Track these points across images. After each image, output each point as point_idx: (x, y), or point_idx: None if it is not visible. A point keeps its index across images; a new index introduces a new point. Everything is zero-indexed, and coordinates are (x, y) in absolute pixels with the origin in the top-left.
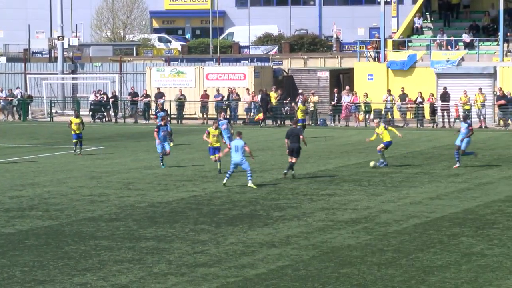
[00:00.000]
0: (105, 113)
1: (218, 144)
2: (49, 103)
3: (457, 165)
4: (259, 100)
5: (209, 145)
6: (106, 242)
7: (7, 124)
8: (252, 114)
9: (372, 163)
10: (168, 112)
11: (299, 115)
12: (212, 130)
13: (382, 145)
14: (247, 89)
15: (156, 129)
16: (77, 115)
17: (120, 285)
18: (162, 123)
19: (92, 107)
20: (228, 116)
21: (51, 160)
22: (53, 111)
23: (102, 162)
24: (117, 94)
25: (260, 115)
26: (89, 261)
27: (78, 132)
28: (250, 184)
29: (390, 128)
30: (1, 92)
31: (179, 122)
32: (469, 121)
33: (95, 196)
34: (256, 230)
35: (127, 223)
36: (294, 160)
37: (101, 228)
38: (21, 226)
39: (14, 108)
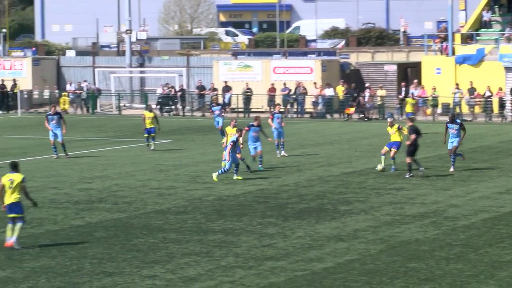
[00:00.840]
0: (173, 107)
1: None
2: (117, 97)
3: None
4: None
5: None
6: (174, 235)
7: (76, 117)
8: (319, 108)
9: (379, 166)
10: (229, 105)
11: (408, 108)
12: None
13: (386, 148)
14: (314, 83)
15: (246, 128)
16: (150, 109)
17: (188, 278)
18: (255, 123)
19: (159, 100)
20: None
21: (119, 153)
22: (121, 104)
23: (170, 155)
24: (184, 87)
25: (352, 109)
26: (158, 253)
27: (150, 127)
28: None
29: (404, 129)
30: (70, 85)
31: (246, 115)
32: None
33: (163, 189)
34: (324, 224)
35: (195, 216)
36: (408, 160)
37: (169, 221)
38: (90, 218)
39: (83, 101)
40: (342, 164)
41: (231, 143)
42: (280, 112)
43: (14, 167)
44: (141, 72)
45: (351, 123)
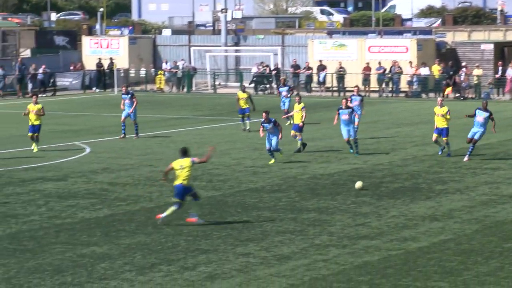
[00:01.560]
0: (267, 85)
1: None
2: (212, 75)
3: None
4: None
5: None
6: (269, 213)
7: (171, 95)
8: (414, 87)
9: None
10: (324, 84)
11: None
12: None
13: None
14: (410, 62)
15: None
16: (244, 90)
17: (282, 256)
18: (343, 106)
19: (254, 79)
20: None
21: (214, 132)
22: (216, 83)
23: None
24: (279, 66)
25: (449, 89)
26: (252, 231)
27: (244, 107)
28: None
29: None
30: (166, 64)
31: (340, 94)
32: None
33: (257, 167)
34: (418, 204)
35: (289, 195)
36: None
37: (264, 199)
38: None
39: (178, 80)
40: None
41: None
42: (359, 95)
43: (184, 153)
44: (236, 51)
45: (447, 102)
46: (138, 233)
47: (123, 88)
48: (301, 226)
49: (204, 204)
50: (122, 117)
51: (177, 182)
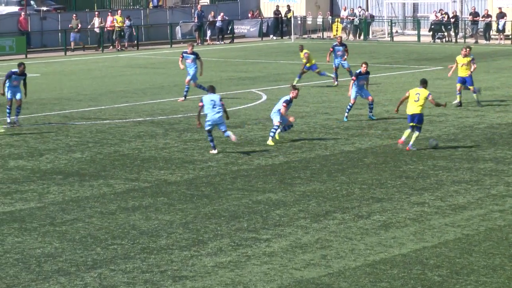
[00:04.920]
0: (446, 33)
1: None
2: (389, 23)
3: None
4: None
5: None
6: (444, 162)
7: (348, 43)
8: None
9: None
10: (503, 32)
11: None
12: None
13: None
14: None
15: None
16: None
17: (457, 206)
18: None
19: (432, 27)
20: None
21: (390, 80)
22: (394, 31)
23: (441, 82)
24: (457, 14)
25: None
26: (427, 180)
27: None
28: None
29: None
30: (344, 11)
31: None
32: None
33: (433, 116)
34: None
35: (466, 144)
36: None
37: (440, 149)
38: (360, 144)
39: (356, 28)
40: None
41: (284, 104)
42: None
43: (424, 83)
44: None
45: None
46: (312, 181)
47: (189, 47)
48: (477, 176)
49: (379, 152)
50: (187, 79)
51: (412, 110)
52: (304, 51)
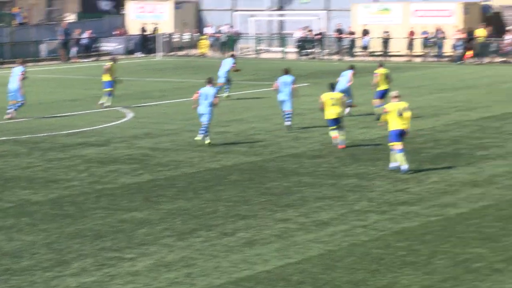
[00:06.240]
0: (311, 50)
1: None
2: (255, 40)
3: None
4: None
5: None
6: (308, 178)
7: (214, 60)
8: (458, 51)
9: None
10: (368, 49)
11: None
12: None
13: None
14: (455, 26)
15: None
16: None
17: (321, 222)
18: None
19: (298, 44)
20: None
21: (257, 97)
22: (260, 47)
23: (307, 99)
24: (323, 31)
25: (470, 53)
26: (291, 197)
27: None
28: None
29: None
30: (211, 28)
31: (385, 59)
32: None
33: (298, 133)
34: (459, 169)
35: (330, 160)
36: None
37: (304, 165)
38: (226, 161)
39: (222, 45)
40: (480, 109)
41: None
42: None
43: (332, 87)
44: (280, 15)
45: (490, 66)
46: (178, 199)
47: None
48: (341, 192)
49: (244, 169)
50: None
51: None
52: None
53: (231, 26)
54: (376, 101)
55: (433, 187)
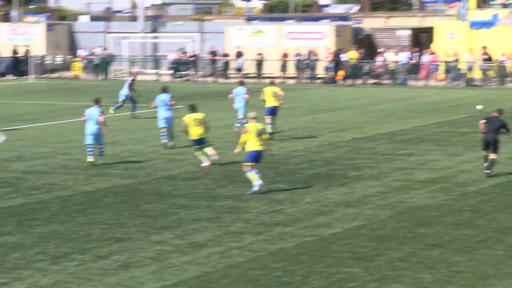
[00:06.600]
0: (185, 72)
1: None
2: (129, 62)
3: None
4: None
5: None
6: (184, 200)
7: (88, 82)
8: (331, 73)
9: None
10: (242, 71)
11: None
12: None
13: None
14: (327, 48)
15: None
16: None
17: (196, 244)
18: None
19: (172, 66)
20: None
21: (131, 119)
22: (134, 70)
23: (180, 121)
24: (197, 53)
25: (341, 73)
26: (167, 219)
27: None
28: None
29: None
30: (84, 50)
31: (258, 81)
32: None
33: (173, 155)
34: (333, 190)
35: (205, 182)
36: (493, 156)
37: (179, 187)
38: (100, 184)
39: (95, 67)
40: (353, 130)
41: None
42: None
43: (192, 108)
44: (154, 37)
45: (363, 88)
46: (52, 222)
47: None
48: (216, 213)
49: (119, 192)
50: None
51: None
52: None
53: (105, 48)
54: (267, 119)
55: (308, 208)
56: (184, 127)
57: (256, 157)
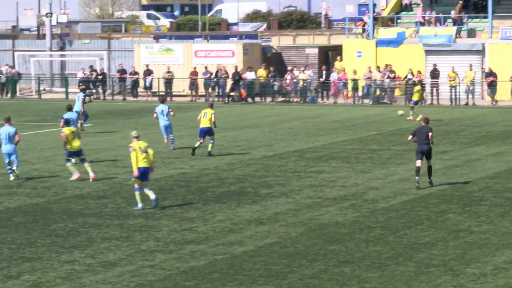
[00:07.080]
0: (93, 90)
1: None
2: (37, 80)
3: None
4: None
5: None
6: (94, 219)
7: None
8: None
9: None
10: (151, 89)
11: (415, 96)
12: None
13: None
14: (236, 66)
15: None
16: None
17: (108, 263)
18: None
19: (80, 84)
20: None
21: (39, 138)
22: (41, 88)
23: (90, 139)
24: (105, 71)
25: (242, 92)
26: (77, 238)
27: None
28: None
29: None
30: None
31: (168, 99)
32: None
33: (83, 173)
34: (244, 207)
35: (115, 201)
36: (430, 163)
37: (89, 206)
38: (9, 203)
39: (2, 86)
40: (263, 148)
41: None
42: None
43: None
44: (62, 55)
45: (272, 106)
46: None
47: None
48: (127, 232)
49: (28, 211)
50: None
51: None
52: None
53: (12, 67)
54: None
55: (219, 226)
56: (63, 139)
57: (143, 174)
